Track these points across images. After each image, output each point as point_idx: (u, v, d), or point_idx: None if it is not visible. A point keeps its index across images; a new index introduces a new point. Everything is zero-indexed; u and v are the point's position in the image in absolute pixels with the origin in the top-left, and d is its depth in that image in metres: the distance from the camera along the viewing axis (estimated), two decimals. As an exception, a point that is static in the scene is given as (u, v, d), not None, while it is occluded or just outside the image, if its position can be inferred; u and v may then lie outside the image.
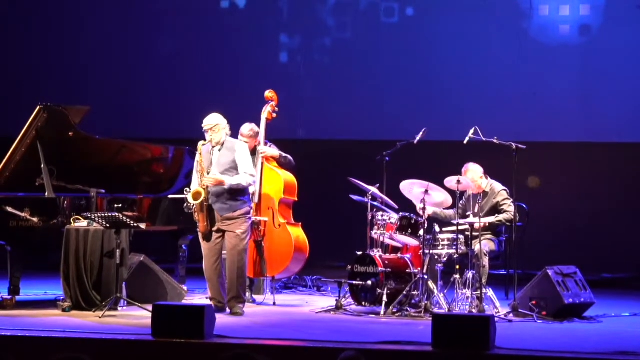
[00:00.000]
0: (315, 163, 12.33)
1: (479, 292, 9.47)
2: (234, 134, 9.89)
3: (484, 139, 10.08)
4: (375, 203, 10.18)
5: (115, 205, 9.97)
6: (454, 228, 9.83)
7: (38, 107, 9.94)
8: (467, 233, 9.81)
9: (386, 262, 9.84)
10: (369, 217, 10.11)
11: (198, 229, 9.58)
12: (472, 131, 10.07)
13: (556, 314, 9.47)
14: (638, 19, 12.89)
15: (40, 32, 14.20)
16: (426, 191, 9.85)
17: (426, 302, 9.51)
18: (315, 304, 10.41)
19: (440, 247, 9.82)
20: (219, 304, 9.45)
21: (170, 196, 10.61)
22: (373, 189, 10.20)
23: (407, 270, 9.85)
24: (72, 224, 9.74)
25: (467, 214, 9.97)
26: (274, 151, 10.61)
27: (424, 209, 9.83)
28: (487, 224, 10.15)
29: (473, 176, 10.31)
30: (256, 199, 10.31)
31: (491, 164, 10.59)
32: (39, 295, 10.60)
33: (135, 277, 9.95)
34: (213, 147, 9.58)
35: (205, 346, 7.71)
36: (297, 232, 10.50)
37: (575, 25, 13.18)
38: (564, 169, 13.03)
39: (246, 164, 9.58)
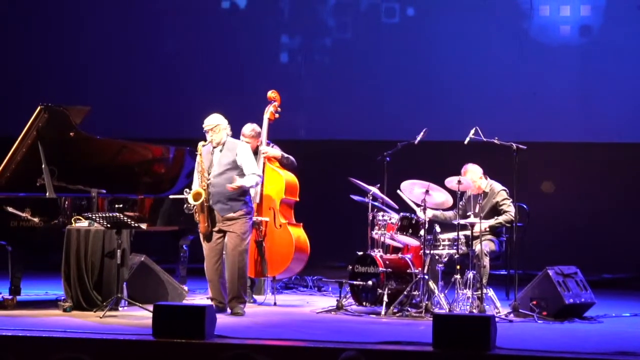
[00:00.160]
0: (315, 163, 12.33)
1: (479, 292, 9.47)
2: (235, 134, 9.89)
3: (484, 139, 10.09)
4: (376, 203, 10.18)
5: (116, 206, 9.97)
6: (456, 230, 9.82)
7: (39, 108, 9.95)
8: (467, 233, 9.81)
9: (387, 262, 9.84)
10: (370, 217, 10.12)
11: (199, 230, 9.58)
12: (472, 131, 10.08)
13: (557, 314, 9.48)
14: (638, 19, 12.90)
15: (40, 32, 14.20)
16: (427, 191, 9.86)
17: (427, 302, 9.52)
18: (315, 304, 10.41)
19: (441, 247, 9.82)
20: (219, 304, 9.46)
21: (171, 196, 10.60)
22: (374, 189, 10.20)
23: (408, 271, 9.85)
24: (73, 224, 9.74)
25: (468, 214, 9.97)
26: (275, 151, 10.61)
27: (424, 209, 9.83)
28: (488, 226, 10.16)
29: (472, 177, 10.30)
30: (257, 199, 10.31)
31: (491, 164, 10.60)
32: (40, 296, 10.60)
33: (136, 277, 9.96)
34: (214, 147, 9.58)
35: (206, 346, 7.71)
36: (298, 233, 10.50)
37: (575, 26, 13.19)
38: (564, 169, 13.04)
39: (251, 164, 9.58)
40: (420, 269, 9.73)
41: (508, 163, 10.04)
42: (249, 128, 10.44)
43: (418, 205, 10.10)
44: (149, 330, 7.95)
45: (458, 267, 9.67)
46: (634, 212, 12.83)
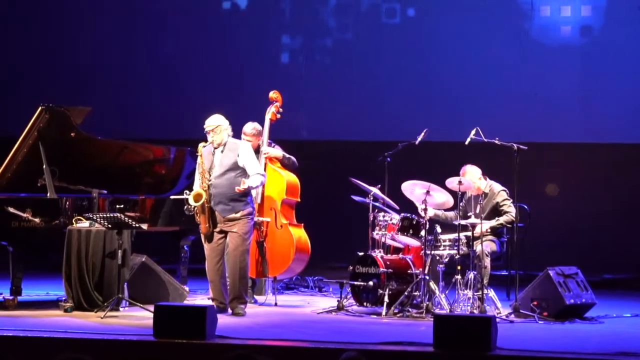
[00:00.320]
0: (316, 163, 12.32)
1: (480, 292, 9.47)
2: (236, 134, 9.89)
3: (485, 140, 10.09)
4: (377, 204, 10.18)
5: (117, 206, 9.96)
6: (458, 228, 9.83)
7: (40, 108, 9.95)
8: (468, 234, 9.81)
9: (388, 262, 9.84)
10: (371, 218, 10.12)
11: (200, 230, 9.58)
12: (473, 132, 10.09)
13: (557, 315, 9.48)
14: (639, 19, 12.90)
15: (40, 32, 14.20)
16: (428, 192, 9.86)
17: (427, 302, 9.52)
18: (316, 305, 10.41)
19: (442, 248, 9.83)
20: (220, 304, 9.46)
21: (172, 197, 10.60)
22: (374, 190, 10.20)
23: (409, 271, 9.86)
24: (74, 225, 9.74)
25: (469, 214, 9.97)
26: (277, 152, 10.61)
27: (425, 209, 9.83)
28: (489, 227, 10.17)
29: (471, 178, 10.29)
30: (259, 200, 10.32)
31: (492, 165, 10.60)
32: (41, 296, 10.60)
33: (137, 277, 9.97)
34: (215, 148, 9.58)
35: (207, 347, 7.71)
36: (299, 233, 10.50)
37: (576, 26, 13.19)
38: (565, 169, 13.03)
39: (254, 164, 9.58)
40: (421, 269, 9.73)
41: (509, 163, 10.05)
42: (250, 127, 10.45)
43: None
44: (149, 330, 7.95)
45: (459, 267, 9.67)
46: (634, 212, 12.83)
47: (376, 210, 10.13)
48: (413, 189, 9.99)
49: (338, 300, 9.95)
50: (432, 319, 7.93)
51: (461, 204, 10.34)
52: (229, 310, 9.51)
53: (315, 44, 13.87)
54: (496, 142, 10.14)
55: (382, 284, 9.71)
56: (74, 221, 9.79)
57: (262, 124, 10.57)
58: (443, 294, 9.67)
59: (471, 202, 10.10)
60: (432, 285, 9.67)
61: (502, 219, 10.20)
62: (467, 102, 13.09)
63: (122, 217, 9.38)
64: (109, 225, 9.43)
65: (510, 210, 10.19)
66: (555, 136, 12.97)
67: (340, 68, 13.74)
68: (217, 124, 9.54)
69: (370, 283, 9.80)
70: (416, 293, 9.67)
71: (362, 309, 9.85)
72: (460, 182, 9.84)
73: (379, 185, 10.32)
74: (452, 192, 9.99)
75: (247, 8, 13.98)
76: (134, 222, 9.45)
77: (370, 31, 13.69)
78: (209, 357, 7.59)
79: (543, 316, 9.45)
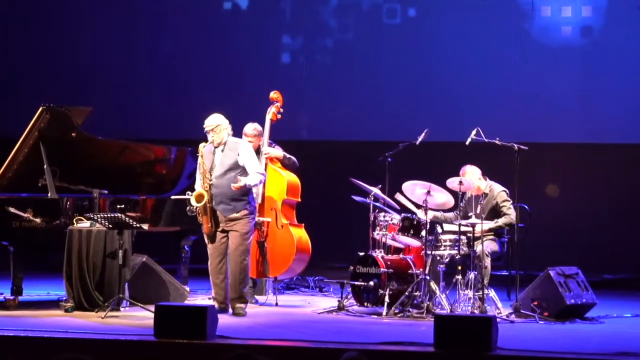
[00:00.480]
0: (317, 164, 12.33)
1: (480, 292, 9.48)
2: (236, 134, 9.89)
3: (485, 140, 10.10)
4: (377, 204, 10.19)
5: (118, 206, 9.96)
6: (458, 229, 9.82)
7: (41, 108, 9.95)
8: (469, 234, 9.81)
9: (388, 262, 9.84)
10: (371, 218, 10.12)
11: (203, 230, 9.59)
12: (474, 132, 10.09)
13: (558, 315, 9.49)
14: (639, 20, 12.89)
15: (40, 32, 14.20)
16: (428, 192, 9.86)
17: (428, 302, 9.52)
18: (317, 305, 10.41)
19: (442, 248, 9.83)
20: (221, 304, 9.46)
21: (172, 197, 10.60)
22: (375, 190, 10.21)
23: (409, 271, 9.86)
24: (75, 225, 9.75)
25: (469, 215, 9.97)
26: (277, 152, 10.61)
27: (426, 210, 9.83)
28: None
29: (471, 178, 10.28)
30: (259, 200, 10.32)
31: (493, 165, 10.60)
32: (42, 296, 10.60)
33: (137, 277, 9.97)
34: (215, 147, 9.58)
35: (208, 347, 7.71)
36: (300, 233, 10.51)
37: (577, 27, 13.19)
38: (565, 169, 13.04)
39: (254, 164, 9.59)
40: (421, 269, 9.74)
41: (509, 164, 10.05)
42: (251, 127, 10.45)
43: (418, 207, 10.11)
44: (150, 330, 7.95)
45: (459, 267, 9.68)
46: (634, 212, 12.83)
47: (377, 211, 10.13)
48: (414, 189, 9.99)
49: (339, 301, 9.95)
50: (432, 319, 7.93)
51: (461, 204, 10.34)
52: (230, 310, 9.51)
53: (316, 44, 13.87)
54: (497, 142, 10.14)
55: (383, 284, 9.71)
56: (74, 221, 9.79)
57: (262, 124, 10.58)
58: (444, 294, 9.67)
59: (471, 202, 10.10)
60: (433, 285, 9.67)
61: (500, 221, 10.19)
62: (467, 102, 13.09)
63: (123, 217, 9.38)
64: (110, 226, 9.43)
65: (510, 213, 10.18)
66: (556, 136, 12.97)
67: (340, 68, 13.74)
68: (216, 124, 9.54)
69: (371, 283, 9.80)
70: (417, 293, 9.67)
71: (363, 309, 9.86)
72: (460, 182, 9.84)
73: (380, 186, 10.32)
74: (453, 193, 9.99)
75: (247, 8, 13.98)
76: (134, 222, 9.45)
77: (370, 31, 13.69)
78: (209, 357, 7.59)
79: (544, 316, 9.46)
